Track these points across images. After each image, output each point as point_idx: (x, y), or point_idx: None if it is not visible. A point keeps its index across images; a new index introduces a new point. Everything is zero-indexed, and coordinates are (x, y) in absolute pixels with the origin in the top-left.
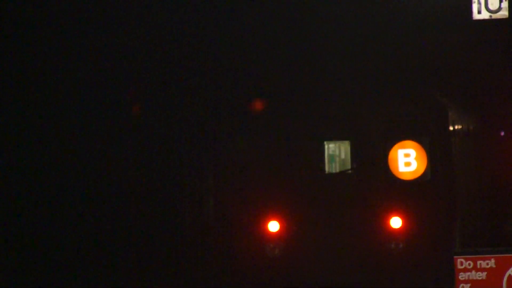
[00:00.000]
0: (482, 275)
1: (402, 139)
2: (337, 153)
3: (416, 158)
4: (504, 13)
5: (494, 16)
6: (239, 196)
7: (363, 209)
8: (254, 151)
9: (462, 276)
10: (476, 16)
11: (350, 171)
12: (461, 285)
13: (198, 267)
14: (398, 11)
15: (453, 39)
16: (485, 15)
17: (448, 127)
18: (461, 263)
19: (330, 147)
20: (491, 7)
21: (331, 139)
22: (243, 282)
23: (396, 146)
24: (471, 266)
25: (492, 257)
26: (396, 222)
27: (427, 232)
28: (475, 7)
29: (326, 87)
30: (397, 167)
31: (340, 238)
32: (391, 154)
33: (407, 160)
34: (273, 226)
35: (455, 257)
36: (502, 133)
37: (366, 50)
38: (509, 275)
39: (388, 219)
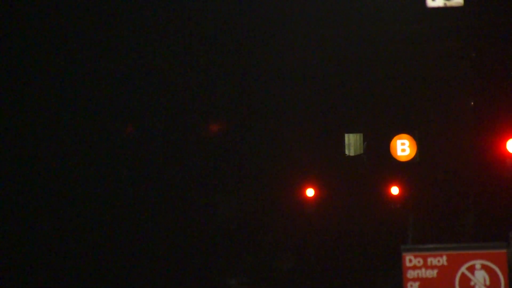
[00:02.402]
0: (433, 273)
1: (400, 133)
2: (353, 142)
3: (409, 146)
4: (459, 1)
5: (449, 3)
6: (287, 171)
7: (372, 181)
8: (297, 140)
9: (410, 274)
10: (430, 3)
11: (362, 155)
12: (409, 283)
13: (256, 224)
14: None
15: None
16: (439, 2)
17: (430, 124)
18: (410, 261)
19: (349, 137)
20: None
21: (349, 132)
22: (288, 231)
23: (395, 137)
24: (421, 263)
25: (444, 254)
26: (395, 190)
27: (416, 197)
28: None
29: (346, 98)
30: (396, 152)
31: (356, 201)
32: (392, 143)
33: (403, 147)
34: (310, 192)
35: (403, 254)
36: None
37: (375, 65)
38: (462, 273)
39: (389, 188)
